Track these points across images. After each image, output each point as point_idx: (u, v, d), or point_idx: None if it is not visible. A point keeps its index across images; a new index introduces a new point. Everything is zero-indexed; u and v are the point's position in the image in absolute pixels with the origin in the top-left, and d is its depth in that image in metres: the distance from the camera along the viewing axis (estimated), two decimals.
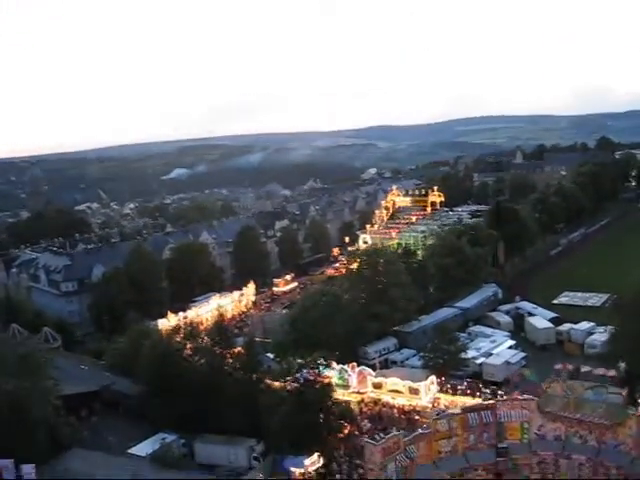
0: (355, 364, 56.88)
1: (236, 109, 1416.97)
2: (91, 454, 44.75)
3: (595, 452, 41.03)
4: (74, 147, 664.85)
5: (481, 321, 75.39)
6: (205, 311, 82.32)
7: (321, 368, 48.92)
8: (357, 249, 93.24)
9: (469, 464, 42.51)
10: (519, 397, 44.80)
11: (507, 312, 78.09)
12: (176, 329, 55.61)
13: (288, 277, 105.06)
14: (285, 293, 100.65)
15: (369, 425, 51.03)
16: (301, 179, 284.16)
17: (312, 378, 46.68)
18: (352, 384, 55.45)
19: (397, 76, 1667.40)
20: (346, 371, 55.71)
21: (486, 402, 46.86)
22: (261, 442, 46.60)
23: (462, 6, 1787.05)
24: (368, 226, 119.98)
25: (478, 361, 60.74)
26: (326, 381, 47.91)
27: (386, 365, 63.48)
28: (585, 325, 68.88)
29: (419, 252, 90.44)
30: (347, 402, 51.97)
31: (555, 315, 74.51)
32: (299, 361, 48.43)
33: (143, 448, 45.85)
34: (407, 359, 64.03)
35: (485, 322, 75.19)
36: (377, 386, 54.78)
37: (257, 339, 62.38)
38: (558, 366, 48.56)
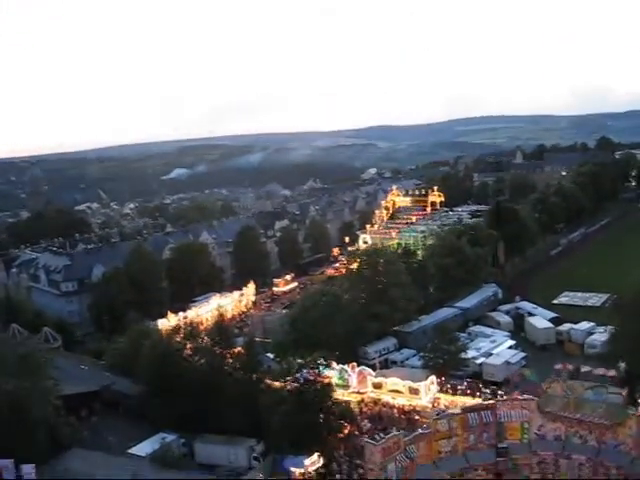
0: (355, 364, 56.85)
1: (236, 109, 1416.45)
2: (91, 454, 44.75)
3: (595, 452, 41.04)
4: (74, 147, 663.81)
5: (481, 321, 75.38)
6: (205, 311, 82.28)
7: (321, 368, 48.91)
8: (357, 249, 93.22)
9: (469, 464, 42.52)
10: (519, 397, 44.82)
11: (507, 312, 78.08)
12: (176, 329, 55.63)
13: (288, 277, 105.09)
14: (285, 293, 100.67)
15: (369, 425, 50.99)
16: (301, 179, 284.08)
17: (312, 378, 46.67)
18: (352, 384, 55.41)
19: (397, 76, 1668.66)
20: (346, 371, 55.67)
21: (486, 402, 46.86)
22: (261, 442, 46.61)
23: (462, 6, 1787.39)
24: (368, 226, 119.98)
25: (478, 361, 60.73)
26: (326, 381, 47.90)
27: (386, 365, 63.45)
28: (585, 325, 68.88)
29: (419, 252, 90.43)
30: (347, 402, 51.92)
31: (555, 315, 74.52)
32: (299, 361, 48.41)
33: (143, 448, 45.86)
34: (407, 359, 64.00)
35: (485, 322, 75.17)
36: (377, 386, 54.74)
37: (257, 339, 62.39)
38: (558, 366, 48.52)
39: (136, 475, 40.30)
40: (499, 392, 51.25)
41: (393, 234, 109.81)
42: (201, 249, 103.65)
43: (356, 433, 48.61)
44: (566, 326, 69.76)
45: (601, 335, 63.86)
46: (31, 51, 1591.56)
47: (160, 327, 67.65)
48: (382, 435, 41.28)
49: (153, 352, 51.12)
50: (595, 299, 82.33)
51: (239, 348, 52.73)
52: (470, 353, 61.15)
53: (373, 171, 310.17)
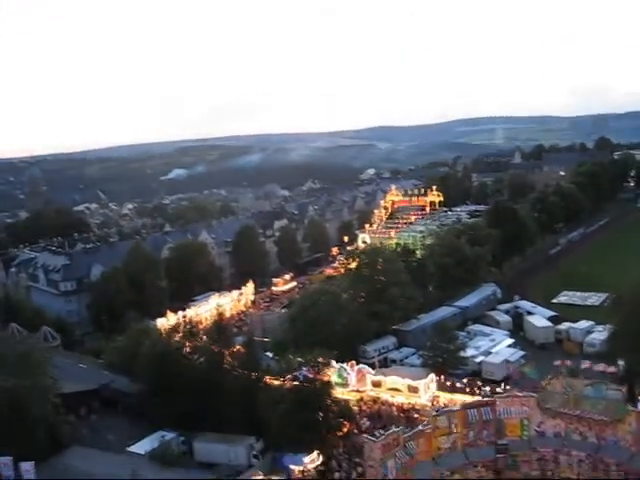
0: (354, 362, 56.83)
1: (235, 110, 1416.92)
2: (90, 452, 44.76)
3: (595, 448, 41.04)
4: (73, 147, 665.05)
5: (480, 320, 75.32)
6: (204, 310, 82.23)
7: (320, 366, 48.88)
8: (356, 248, 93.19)
9: (469, 461, 42.51)
10: (519, 394, 44.83)
11: (506, 311, 78.11)
12: (175, 328, 55.62)
13: (287, 277, 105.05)
14: (284, 293, 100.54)
15: (368, 423, 50.95)
16: (300, 180, 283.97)
17: (311, 376, 46.65)
18: (351, 382, 55.30)
19: (397, 76, 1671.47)
20: (345, 369, 55.59)
21: (486, 399, 46.87)
22: (260, 440, 46.60)
23: (462, 6, 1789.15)
24: (367, 226, 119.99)
25: (477, 360, 60.78)
26: (325, 379, 47.90)
27: (385, 364, 63.44)
28: (584, 324, 68.97)
29: (418, 252, 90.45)
30: (346, 400, 51.84)
31: (554, 314, 74.62)
32: (298, 359, 48.41)
33: (142, 446, 45.87)
34: (406, 358, 64.03)
35: (484, 321, 75.17)
36: (376, 384, 54.70)
37: (256, 338, 62.37)
38: (557, 362, 48.56)
39: (135, 473, 40.31)
40: (498, 389, 51.27)
41: (392, 234, 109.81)
42: (200, 248, 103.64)
43: (355, 431, 48.56)
44: (565, 325, 69.88)
45: (600, 334, 63.98)
46: (31, 51, 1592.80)
47: (159, 326, 67.53)
48: (382, 432, 41.28)
49: (152, 350, 51.13)
50: (594, 298, 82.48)
51: (238, 347, 52.75)
52: (469, 352, 61.18)
53: (372, 171, 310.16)
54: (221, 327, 54.68)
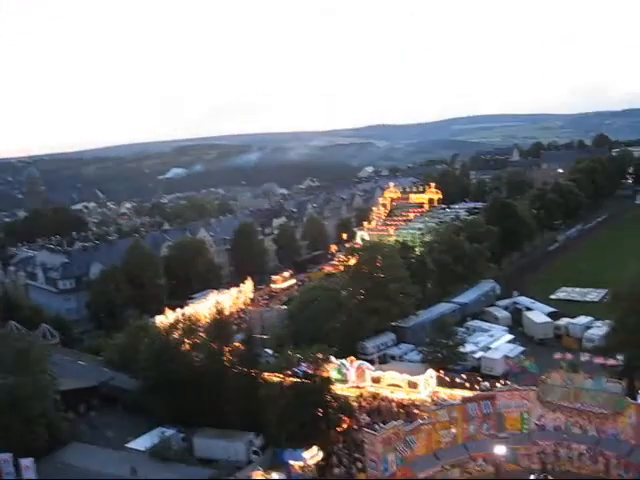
0: (354, 358, 56.83)
1: (234, 109, 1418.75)
2: (90, 448, 44.85)
3: (595, 442, 41.10)
4: (71, 147, 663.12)
5: (479, 316, 75.26)
6: (203, 308, 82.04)
7: (320, 362, 48.84)
8: (355, 245, 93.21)
9: (469, 454, 42.54)
10: (518, 387, 44.85)
11: (505, 307, 78.09)
12: (174, 324, 55.56)
13: (286, 274, 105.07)
14: (283, 290, 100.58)
15: (368, 419, 50.92)
16: (298, 178, 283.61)
17: (311, 372, 46.64)
18: (351, 378, 55.32)
19: (395, 75, 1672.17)
20: (345, 366, 55.59)
21: (486, 393, 46.90)
22: (260, 436, 46.66)
23: (461, 6, 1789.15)
24: (365, 223, 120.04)
25: (476, 355, 60.71)
26: (325, 375, 47.87)
27: (384, 360, 63.37)
28: (583, 319, 68.95)
29: (417, 249, 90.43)
30: (346, 396, 51.85)
31: (553, 310, 74.65)
32: (297, 355, 48.38)
33: (142, 442, 45.83)
34: (405, 354, 63.90)
35: (483, 317, 75.09)
36: (376, 380, 54.65)
37: (255, 335, 62.28)
38: (557, 356, 48.59)
39: (135, 469, 40.33)
40: (497, 385, 51.22)
41: (391, 231, 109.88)
42: (199, 246, 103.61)
43: (355, 427, 48.56)
44: (564, 320, 69.85)
45: (599, 329, 63.93)
46: (28, 51, 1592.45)
47: (158, 324, 67.48)
48: (382, 426, 41.30)
49: (151, 347, 51.13)
50: (593, 294, 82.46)
51: (237, 343, 52.73)
52: (468, 347, 61.00)
53: (370, 169, 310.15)
54: (220, 324, 54.57)
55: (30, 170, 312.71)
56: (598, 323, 65.90)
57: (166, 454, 43.25)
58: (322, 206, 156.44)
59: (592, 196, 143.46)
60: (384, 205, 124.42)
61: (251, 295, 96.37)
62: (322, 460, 44.40)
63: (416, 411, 50.13)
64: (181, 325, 53.90)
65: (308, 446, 43.69)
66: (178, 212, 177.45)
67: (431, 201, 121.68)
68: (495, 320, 73.79)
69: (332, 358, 53.33)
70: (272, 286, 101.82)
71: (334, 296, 64.53)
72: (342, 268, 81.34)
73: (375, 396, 54.35)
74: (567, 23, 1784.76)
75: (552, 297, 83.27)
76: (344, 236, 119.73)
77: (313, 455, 43.71)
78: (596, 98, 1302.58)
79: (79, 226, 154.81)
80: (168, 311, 75.74)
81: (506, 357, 58.98)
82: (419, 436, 42.04)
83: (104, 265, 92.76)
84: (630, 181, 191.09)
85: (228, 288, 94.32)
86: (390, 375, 54.11)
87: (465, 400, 45.07)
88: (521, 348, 62.10)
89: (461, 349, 58.97)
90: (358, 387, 55.09)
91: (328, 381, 47.98)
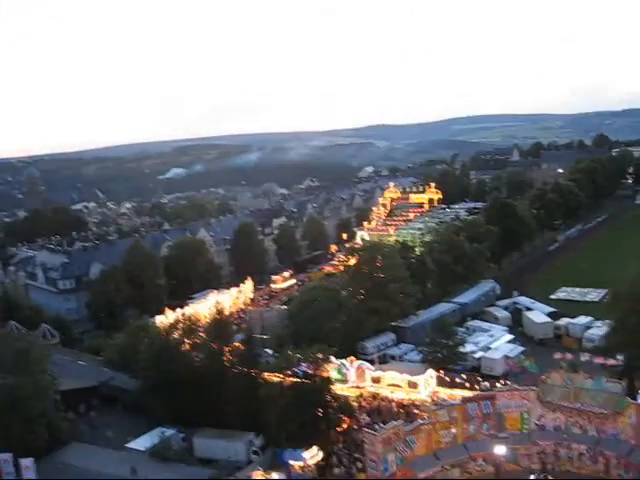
0: (354, 358, 56.82)
1: (233, 109, 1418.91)
2: (90, 448, 44.84)
3: (595, 442, 41.10)
4: (71, 147, 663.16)
5: (479, 316, 75.23)
6: (203, 308, 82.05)
7: (320, 362, 48.83)
8: (354, 245, 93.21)
9: (469, 454, 42.55)
10: (518, 387, 44.85)
11: (505, 307, 78.06)
12: (174, 324, 55.55)
13: (286, 274, 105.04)
14: (283, 290, 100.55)
15: (368, 419, 50.92)
16: (298, 178, 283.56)
17: (311, 372, 46.63)
18: (351, 378, 55.31)
19: (395, 76, 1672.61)
20: (345, 366, 55.59)
21: (486, 393, 46.90)
22: (260, 436, 46.67)
23: (461, 6, 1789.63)
24: (365, 223, 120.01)
25: (476, 355, 60.69)
26: (325, 375, 47.86)
27: (384, 360, 63.36)
28: (583, 319, 68.93)
29: (417, 249, 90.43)
30: (346, 396, 51.86)
31: (553, 310, 74.62)
32: (297, 355, 48.37)
33: (142, 442, 45.85)
34: (405, 354, 63.87)
35: (483, 317, 75.06)
36: (376, 380, 54.65)
37: (255, 335, 62.26)
38: (557, 356, 48.58)
39: (134, 469, 40.32)
40: (497, 385, 51.23)
41: (391, 231, 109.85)
42: (199, 246, 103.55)
43: (355, 427, 48.55)
44: (564, 320, 69.83)
45: (599, 329, 63.89)
46: (28, 51, 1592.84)
47: (158, 324, 67.48)
48: (382, 426, 41.30)
49: (151, 347, 51.13)
50: (593, 294, 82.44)
51: (237, 343, 52.73)
52: (468, 347, 60.96)
53: (370, 169, 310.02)
54: (220, 324, 54.56)
55: (30, 170, 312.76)
56: (598, 323, 65.87)
57: (166, 454, 43.25)
58: (322, 206, 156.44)
59: (592, 196, 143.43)
60: (384, 205, 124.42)
61: (251, 295, 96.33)
62: (322, 460, 44.39)
63: (416, 411, 50.12)
64: (181, 325, 53.89)
65: (308, 446, 43.68)
66: (178, 212, 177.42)
67: (431, 201, 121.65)
68: (495, 320, 73.77)
69: (332, 358, 53.35)
70: (272, 286, 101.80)
71: (334, 296, 64.52)
72: (342, 268, 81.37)
73: (375, 396, 54.34)
74: (567, 23, 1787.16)
75: (552, 297, 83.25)
76: (344, 236, 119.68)
77: (313, 455, 43.69)
78: (596, 98, 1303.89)
79: (79, 226, 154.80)
80: (168, 311, 75.77)
81: (506, 357, 58.96)
82: (419, 436, 42.04)
83: (104, 265, 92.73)
84: (630, 181, 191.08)
85: (228, 288, 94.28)
86: (390, 375, 54.10)
87: (465, 400, 45.07)
88: (521, 348, 62.07)
89: (461, 349, 58.93)
90: (358, 387, 55.08)
91: (328, 381, 47.96)
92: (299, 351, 48.59)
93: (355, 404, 52.14)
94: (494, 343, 63.75)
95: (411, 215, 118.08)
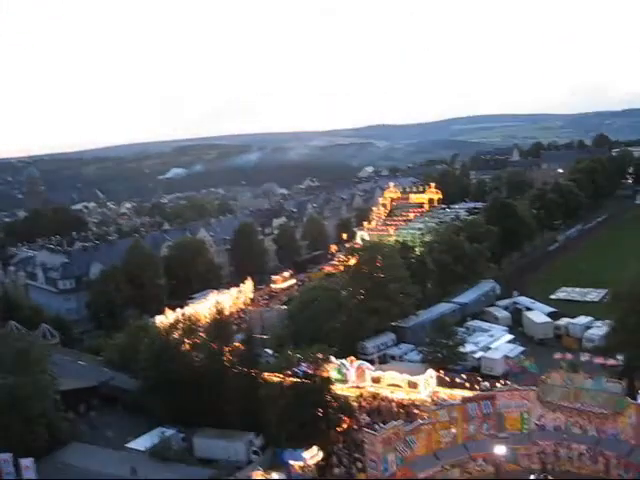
0: (354, 358, 56.81)
1: (233, 109, 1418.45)
2: (90, 448, 44.84)
3: (595, 442, 41.10)
4: (71, 147, 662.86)
5: (479, 316, 75.22)
6: (203, 308, 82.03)
7: (320, 362, 48.83)
8: (355, 245, 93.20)
9: (469, 454, 42.56)
10: (518, 387, 44.85)
11: (505, 307, 78.04)
12: (175, 324, 55.54)
13: (286, 274, 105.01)
14: (283, 290, 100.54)
15: (368, 419, 50.91)
16: (298, 178, 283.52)
17: (311, 372, 46.63)
18: (351, 378, 55.31)
19: (396, 76, 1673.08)
20: (345, 366, 55.58)
21: (486, 393, 46.89)
22: (260, 436, 46.67)
23: (461, 6, 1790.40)
24: (365, 223, 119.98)
25: (477, 355, 60.69)
26: (325, 375, 47.86)
27: (384, 360, 63.36)
28: (583, 319, 68.92)
29: (417, 249, 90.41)
30: (346, 396, 51.85)
31: (553, 310, 74.61)
32: (297, 355, 48.37)
33: (142, 442, 45.87)
34: (405, 354, 63.85)
35: (483, 317, 75.05)
36: (376, 380, 54.65)
37: (255, 335, 62.25)
38: (557, 356, 48.59)
39: (134, 469, 40.31)
40: (497, 385, 51.22)
41: (391, 231, 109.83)
42: (199, 246, 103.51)
43: (355, 427, 48.54)
44: (564, 320, 69.81)
45: (599, 329, 63.86)
46: (30, 51, 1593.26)
47: (158, 324, 67.46)
48: (382, 425, 41.30)
49: (151, 347, 51.13)
50: (593, 294, 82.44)
51: (237, 343, 52.73)
52: (468, 347, 60.95)
53: (370, 169, 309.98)
54: (220, 324, 54.55)
55: (30, 170, 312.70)
56: (598, 323, 65.85)
57: (166, 454, 43.25)
58: (322, 206, 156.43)
59: (592, 196, 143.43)
60: (384, 205, 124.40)
61: (251, 295, 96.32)
62: (322, 460, 44.40)
63: (416, 411, 50.11)
64: (181, 325, 53.90)
65: (308, 446, 43.69)
66: (178, 212, 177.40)
67: (431, 201, 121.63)
68: (495, 320, 73.76)
69: (332, 358, 53.39)
70: (272, 286, 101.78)
71: (334, 296, 64.51)
72: (342, 268, 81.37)
73: (375, 396, 54.32)
74: (567, 23, 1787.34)
75: (552, 297, 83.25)
76: (344, 236, 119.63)
77: (313, 455, 43.70)
78: (596, 98, 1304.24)
79: (79, 226, 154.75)
80: (168, 311, 75.78)
81: (506, 357, 58.97)
82: (419, 436, 42.05)
83: (104, 265, 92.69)
84: (630, 181, 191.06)
85: (228, 288, 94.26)
86: (390, 375, 54.08)
87: (465, 400, 45.07)
88: (521, 348, 62.06)
89: (461, 349, 58.93)
90: (358, 387, 55.07)
91: (328, 381, 47.95)
92: (299, 351, 48.56)
93: (355, 404, 52.13)
94: (494, 343, 63.74)
95: (411, 215, 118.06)
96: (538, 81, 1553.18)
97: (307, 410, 44.42)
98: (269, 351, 58.94)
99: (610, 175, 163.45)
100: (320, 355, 47.76)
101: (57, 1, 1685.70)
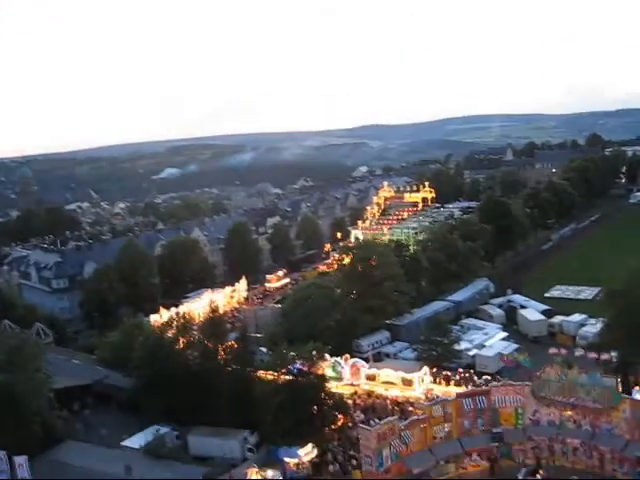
0: (348, 356, 56.84)
1: (228, 109, 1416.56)
2: (84, 446, 44.70)
3: (589, 436, 41.19)
4: (65, 147, 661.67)
5: (473, 314, 75.37)
6: (197, 307, 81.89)
7: (314, 359, 48.81)
8: (349, 243, 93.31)
9: (464, 450, 42.62)
10: (513, 383, 44.94)
11: (499, 305, 78.20)
12: (169, 322, 55.45)
13: (280, 273, 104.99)
14: (277, 289, 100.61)
15: (362, 416, 50.92)
16: (292, 178, 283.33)
17: (305, 370, 46.62)
18: (345, 376, 55.42)
19: (390, 76, 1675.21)
20: (339, 363, 55.65)
21: (480, 388, 46.97)
22: (255, 433, 46.60)
23: (457, 7, 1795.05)
24: (359, 222, 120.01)
25: (471, 353, 60.79)
26: (319, 373, 47.85)
27: (379, 358, 63.43)
28: (577, 317, 69.13)
29: (411, 247, 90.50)
30: (340, 394, 51.89)
31: (547, 308, 74.80)
32: (292, 353, 48.33)
33: (137, 440, 45.77)
34: (400, 352, 63.90)
35: (477, 315, 75.19)
36: (370, 378, 54.78)
37: (250, 334, 62.20)
38: (552, 350, 48.67)
39: (129, 467, 40.19)
40: (492, 382, 51.29)
41: (384, 230, 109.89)
42: (193, 245, 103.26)
43: (350, 424, 48.56)
44: (558, 318, 69.98)
45: (593, 327, 64.04)
46: (23, 51, 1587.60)
47: (152, 322, 67.37)
48: (377, 421, 41.32)
49: (146, 345, 51.06)
50: (587, 292, 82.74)
51: (232, 341, 52.69)
52: (463, 345, 61.12)
53: (364, 169, 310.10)
54: (214, 322, 54.48)
55: (23, 170, 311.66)
56: (592, 321, 65.97)
57: (160, 452, 43.13)
58: (316, 205, 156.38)
59: (585, 195, 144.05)
60: (378, 204, 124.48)
61: (245, 294, 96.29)
62: (317, 457, 44.44)
63: (410, 408, 50.21)
64: (175, 323, 53.84)
65: (303, 443, 43.74)
66: (172, 212, 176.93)
67: (425, 200, 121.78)
68: (489, 318, 73.88)
69: (327, 356, 53.42)
70: (266, 285, 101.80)
71: (328, 294, 64.53)
72: (336, 266, 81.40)
73: (370, 394, 54.47)
74: (561, 24, 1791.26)
75: (546, 295, 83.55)
76: (338, 235, 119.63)
77: (308, 452, 43.79)
78: (590, 98, 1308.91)
79: (73, 226, 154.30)
80: (162, 310, 75.71)
81: (500, 354, 59.06)
82: (414, 431, 42.09)
83: (98, 264, 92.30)
84: (623, 180, 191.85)
85: (222, 287, 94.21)
86: (385, 373, 54.19)
87: (460, 395, 45.14)
88: (515, 345, 62.10)
89: (456, 347, 59.10)
90: (353, 385, 55.20)
91: (323, 379, 47.96)
92: (294, 349, 48.54)
93: (350, 402, 52.23)
94: (488, 341, 63.87)
95: (405, 214, 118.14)
96: (532, 81, 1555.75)
97: (302, 407, 44.41)
98: (263, 349, 58.92)
99: (603, 174, 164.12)
100: (314, 352, 47.76)
101: (57, 1, 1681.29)
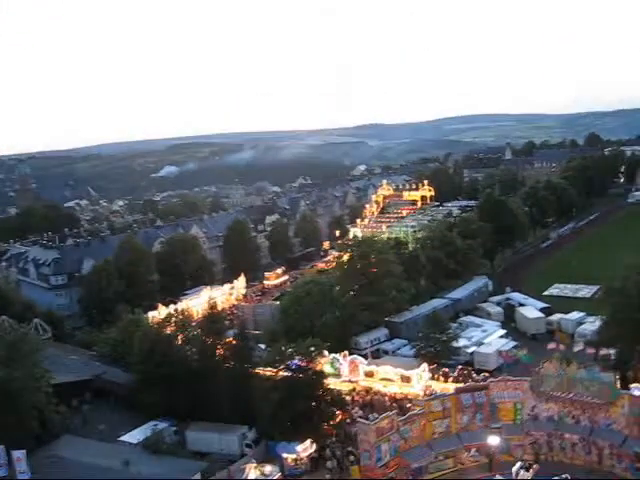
0: (347, 352, 56.77)
1: (227, 107, 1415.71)
2: (82, 441, 44.76)
3: (588, 431, 41.25)
4: (64, 145, 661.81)
5: (472, 312, 75.37)
6: (196, 304, 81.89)
7: (313, 356, 48.77)
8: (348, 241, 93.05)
9: (462, 445, 42.64)
10: (512, 378, 44.95)
11: (498, 303, 78.25)
12: (167, 319, 55.47)
13: (279, 271, 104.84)
14: (276, 286, 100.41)
15: (360, 413, 50.87)
16: (291, 177, 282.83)
17: (304, 365, 46.59)
18: (344, 373, 55.31)
19: (390, 76, 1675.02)
20: (338, 360, 55.56)
21: (479, 383, 46.97)
22: (253, 429, 46.65)
23: (458, 7, 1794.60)
24: (358, 220, 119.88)
25: (469, 350, 60.84)
26: (318, 369, 47.84)
27: (378, 355, 63.43)
28: (575, 315, 69.19)
29: (410, 245, 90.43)
30: (339, 390, 51.84)
31: (546, 305, 74.81)
32: (290, 349, 48.31)
33: (135, 435, 45.94)
34: (398, 349, 63.99)
35: (476, 313, 75.22)
36: (369, 374, 54.68)
37: (248, 331, 62.12)
38: (551, 345, 48.71)
39: (127, 462, 40.18)
40: (490, 379, 51.29)
41: (383, 228, 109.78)
42: (192, 242, 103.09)
43: (348, 421, 48.55)
44: (556, 316, 70.11)
45: (591, 325, 63.98)
46: (22, 50, 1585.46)
47: (150, 319, 67.22)
48: (376, 415, 41.32)
49: (144, 341, 51.07)
50: (585, 290, 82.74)
51: (230, 338, 52.70)
52: (461, 342, 61.13)
53: (363, 167, 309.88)
54: (213, 318, 54.47)
55: (22, 168, 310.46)
56: (590, 318, 65.96)
57: (158, 447, 43.26)
58: (315, 203, 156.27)
59: (584, 194, 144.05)
60: (377, 202, 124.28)
61: (244, 291, 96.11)
62: (315, 453, 44.45)
63: (409, 405, 50.16)
64: (174, 320, 53.87)
65: (301, 439, 43.76)
66: (170, 209, 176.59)
67: (424, 199, 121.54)
68: (488, 316, 73.93)
69: (325, 352, 53.39)
70: (265, 282, 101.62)
71: (327, 291, 64.46)
72: (335, 264, 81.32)
73: (368, 390, 54.38)
74: (561, 25, 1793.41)
75: (545, 293, 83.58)
76: (337, 233, 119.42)
77: (306, 448, 43.86)
78: (589, 98, 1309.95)
79: (71, 223, 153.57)
80: (160, 307, 75.58)
81: (499, 352, 59.17)
82: (413, 426, 42.13)
83: (96, 261, 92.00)
84: (622, 180, 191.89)
85: (221, 284, 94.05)
86: (383, 369, 54.10)
87: (459, 391, 45.18)
88: (513, 343, 62.24)
89: (454, 344, 59.06)
90: (351, 381, 55.09)
91: (321, 375, 47.96)
92: (292, 345, 48.52)
93: (348, 398, 52.17)
94: (487, 338, 63.96)
95: (404, 212, 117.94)
96: (531, 81, 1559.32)
97: (300, 403, 44.40)
98: (262, 346, 58.88)
99: (602, 174, 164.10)
100: (313, 349, 47.74)
101: (57, 1, 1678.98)
